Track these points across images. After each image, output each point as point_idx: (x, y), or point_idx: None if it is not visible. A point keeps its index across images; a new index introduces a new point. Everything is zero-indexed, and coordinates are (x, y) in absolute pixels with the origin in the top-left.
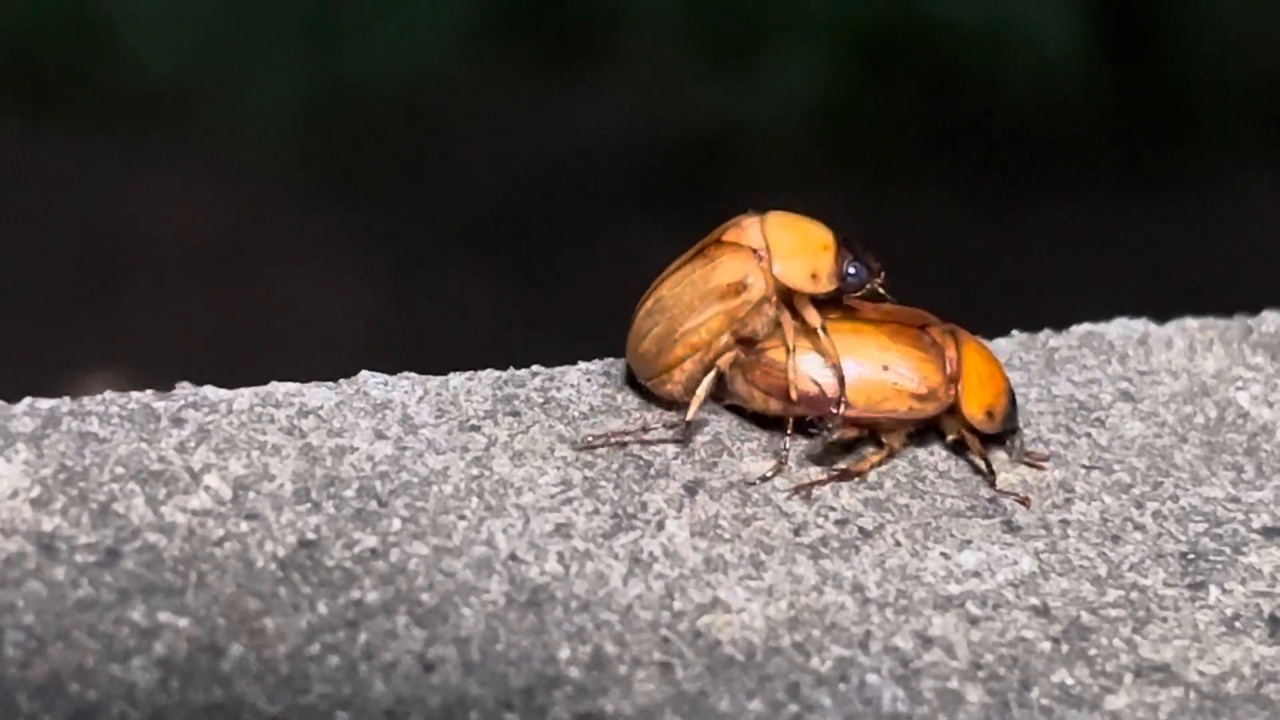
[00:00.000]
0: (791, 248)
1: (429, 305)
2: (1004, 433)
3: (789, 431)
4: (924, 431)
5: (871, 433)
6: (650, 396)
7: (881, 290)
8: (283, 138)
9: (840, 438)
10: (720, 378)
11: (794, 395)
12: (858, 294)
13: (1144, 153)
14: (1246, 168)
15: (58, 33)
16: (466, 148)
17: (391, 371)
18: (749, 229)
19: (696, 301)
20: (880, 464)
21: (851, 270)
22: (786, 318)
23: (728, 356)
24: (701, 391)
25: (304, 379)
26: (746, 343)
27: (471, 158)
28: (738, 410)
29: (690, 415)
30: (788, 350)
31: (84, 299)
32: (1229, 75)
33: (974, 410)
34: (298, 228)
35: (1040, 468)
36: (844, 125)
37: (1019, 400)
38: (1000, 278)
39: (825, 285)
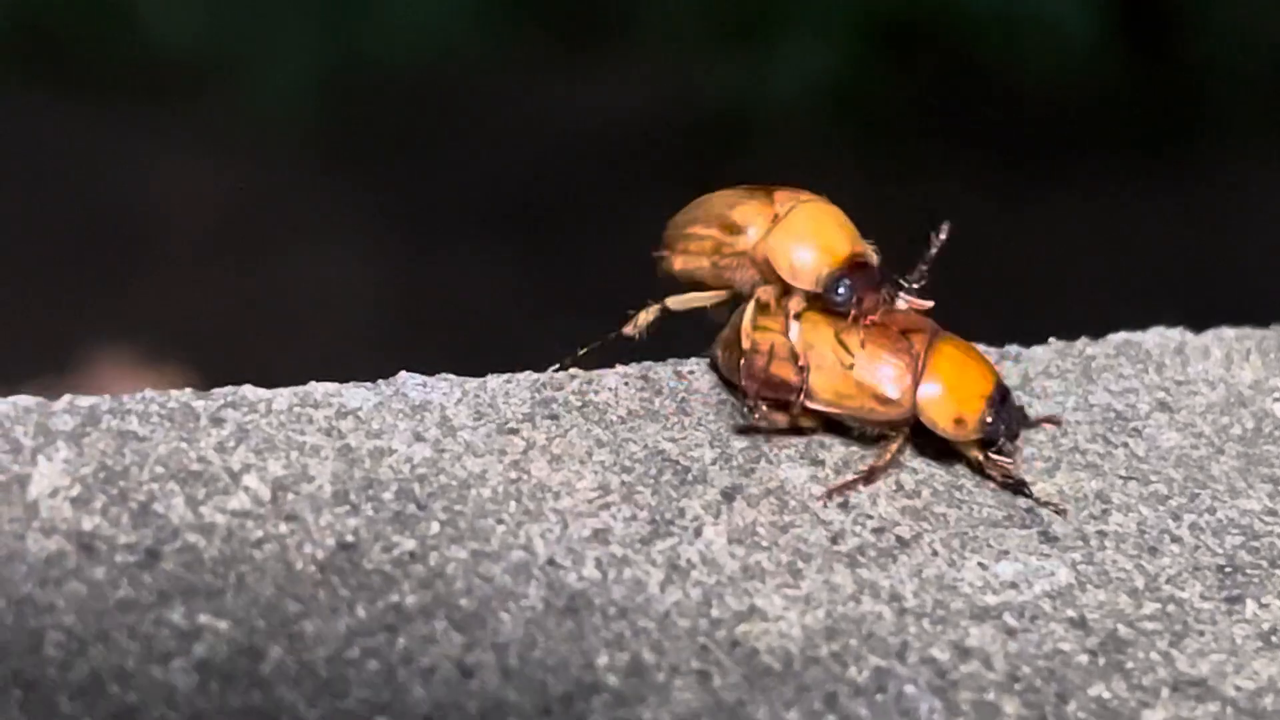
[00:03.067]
0: (798, 232)
1: (444, 282)
2: (989, 440)
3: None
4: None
5: (835, 425)
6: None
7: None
8: (299, 113)
9: (802, 425)
10: (661, 313)
11: (748, 372)
12: (841, 313)
13: (1164, 139)
14: (1268, 156)
15: (75, 6)
16: (482, 126)
17: (420, 362)
18: (793, 198)
19: (712, 216)
20: (899, 453)
21: (840, 290)
22: (769, 293)
23: (681, 299)
24: (643, 318)
25: (324, 365)
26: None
27: (487, 136)
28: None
29: (628, 329)
30: (746, 329)
31: (99, 273)
32: (1250, 61)
33: (939, 419)
34: (313, 204)
35: (1011, 478)
36: (860, 109)
37: (1058, 409)
38: (1017, 266)
39: (800, 283)
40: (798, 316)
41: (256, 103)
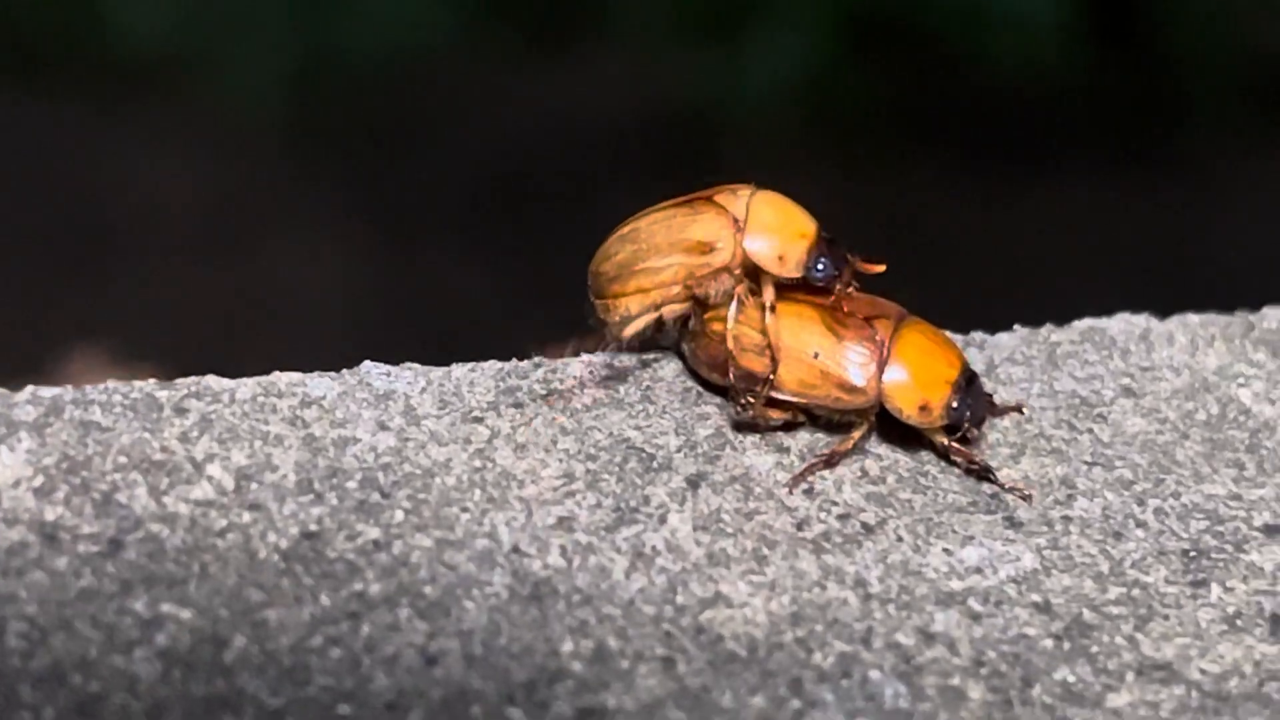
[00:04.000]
0: (768, 227)
1: (415, 278)
2: (953, 426)
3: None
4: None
5: (811, 416)
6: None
7: (850, 292)
8: (271, 108)
9: (769, 418)
10: (660, 324)
11: (730, 368)
12: (823, 291)
13: (1133, 132)
14: (1235, 147)
15: (44, 4)
16: (454, 121)
17: (388, 355)
18: (738, 198)
19: (666, 245)
20: (863, 440)
21: (819, 267)
22: (742, 289)
23: (674, 309)
24: (638, 324)
25: (293, 357)
26: (700, 305)
27: (459, 132)
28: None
29: (624, 335)
30: (728, 320)
31: (69, 270)
32: (1217, 52)
33: (904, 405)
34: (284, 200)
35: (975, 465)
36: (830, 103)
37: (1023, 395)
38: (988, 259)
39: (790, 271)
40: (772, 308)
41: (229, 99)
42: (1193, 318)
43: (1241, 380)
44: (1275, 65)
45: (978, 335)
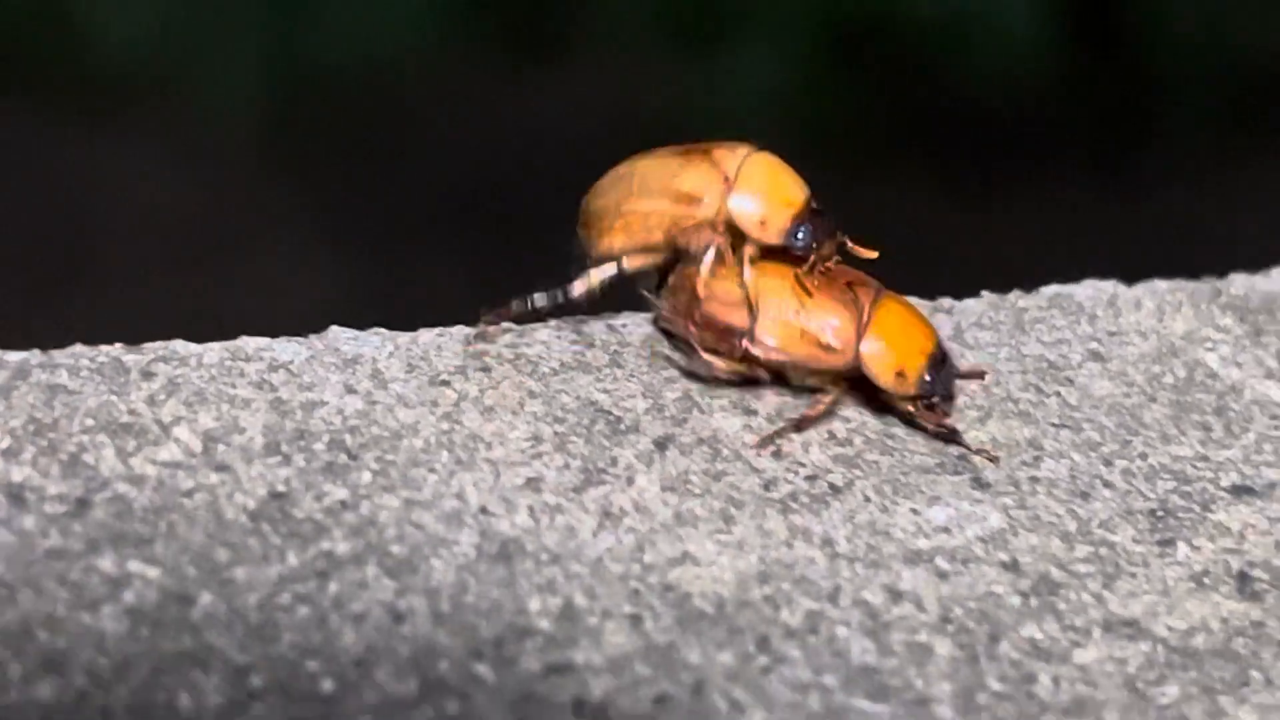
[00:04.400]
0: (756, 189)
1: (392, 287)
2: (924, 396)
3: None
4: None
5: (781, 378)
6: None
7: (828, 268)
8: (248, 118)
9: (746, 371)
10: (620, 273)
11: (696, 318)
12: (799, 261)
13: (1112, 140)
14: (1215, 156)
15: (21, 10)
16: (432, 132)
17: (357, 322)
18: (735, 155)
19: (656, 190)
20: (834, 405)
21: (799, 236)
22: (723, 242)
23: (637, 260)
24: (595, 275)
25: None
26: (679, 257)
27: (437, 142)
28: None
29: (576, 290)
30: (705, 279)
31: (46, 279)
32: (1196, 62)
33: (880, 370)
34: (262, 210)
35: (946, 432)
36: (812, 113)
37: (990, 359)
38: (968, 262)
39: (770, 237)
40: (753, 262)
41: (209, 109)
42: (1160, 284)
43: (1209, 344)
44: (1253, 74)
45: (945, 301)
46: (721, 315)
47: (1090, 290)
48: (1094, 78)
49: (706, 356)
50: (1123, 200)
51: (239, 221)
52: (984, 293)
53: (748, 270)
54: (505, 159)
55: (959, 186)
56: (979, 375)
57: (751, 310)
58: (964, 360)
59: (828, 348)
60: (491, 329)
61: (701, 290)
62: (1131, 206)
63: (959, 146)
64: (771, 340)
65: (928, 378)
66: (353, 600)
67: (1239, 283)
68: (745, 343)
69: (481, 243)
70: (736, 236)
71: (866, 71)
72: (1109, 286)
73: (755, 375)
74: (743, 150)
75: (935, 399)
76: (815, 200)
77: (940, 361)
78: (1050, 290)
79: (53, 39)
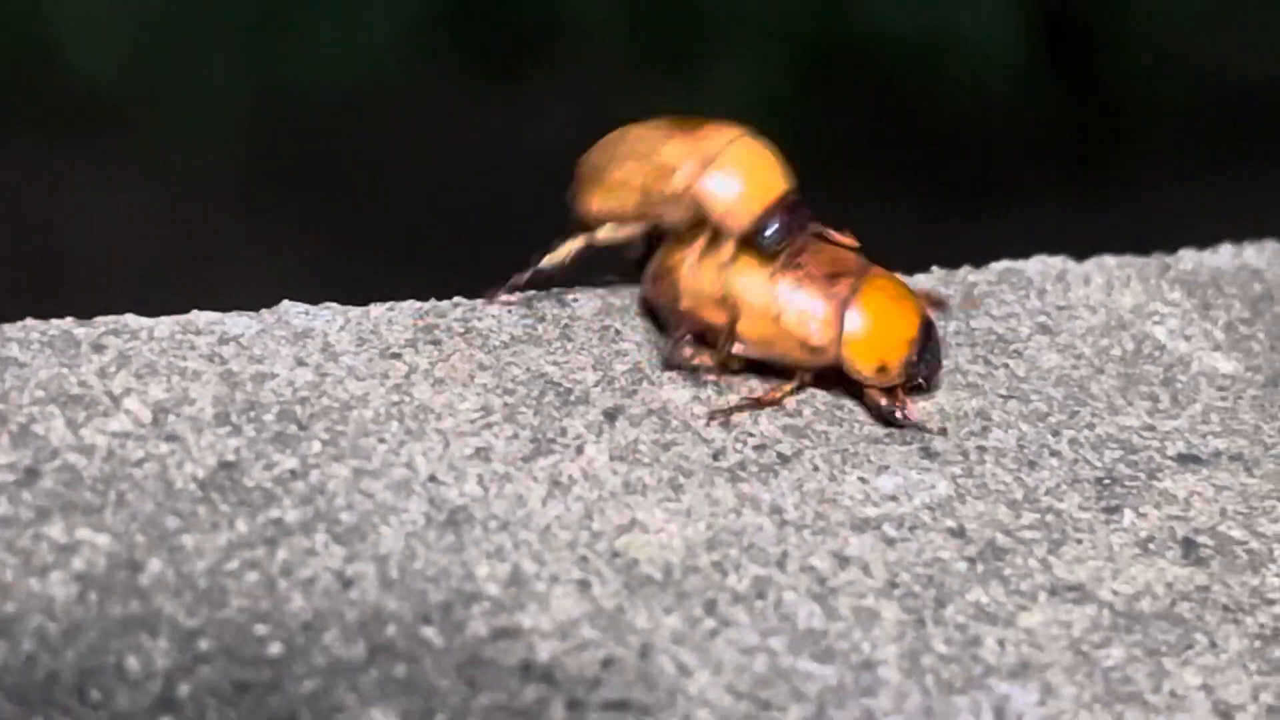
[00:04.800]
0: (731, 174)
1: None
2: (908, 382)
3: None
4: None
5: (758, 366)
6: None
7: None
8: (225, 144)
9: (730, 365)
10: (589, 246)
11: (680, 315)
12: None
13: (1087, 160)
14: (1187, 176)
15: None
16: (410, 156)
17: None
18: (723, 135)
19: (638, 154)
20: (794, 392)
21: (769, 232)
22: (705, 237)
23: (608, 235)
24: (561, 251)
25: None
26: (654, 237)
27: (414, 166)
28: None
29: (544, 262)
30: (688, 271)
31: (20, 306)
32: (1168, 83)
33: (863, 367)
34: (240, 235)
35: (913, 424)
36: (786, 135)
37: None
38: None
39: (733, 228)
40: (732, 261)
41: (183, 133)
42: (1109, 259)
43: (1157, 318)
44: (1227, 96)
45: (896, 275)
46: (702, 312)
47: (1039, 265)
48: (1070, 99)
49: (691, 353)
50: (1089, 212)
51: (215, 249)
52: (934, 267)
53: (728, 269)
54: (482, 184)
55: (933, 200)
56: (974, 305)
57: (732, 310)
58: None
59: (810, 347)
60: (443, 304)
61: (690, 278)
62: (1097, 216)
63: (935, 161)
64: (753, 339)
65: (911, 365)
66: (301, 566)
67: (1188, 258)
68: (725, 341)
69: (461, 263)
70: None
71: (842, 90)
72: (1058, 262)
73: (739, 369)
74: (734, 133)
75: (919, 381)
76: (795, 193)
77: (924, 342)
78: (1000, 265)
79: (28, 65)
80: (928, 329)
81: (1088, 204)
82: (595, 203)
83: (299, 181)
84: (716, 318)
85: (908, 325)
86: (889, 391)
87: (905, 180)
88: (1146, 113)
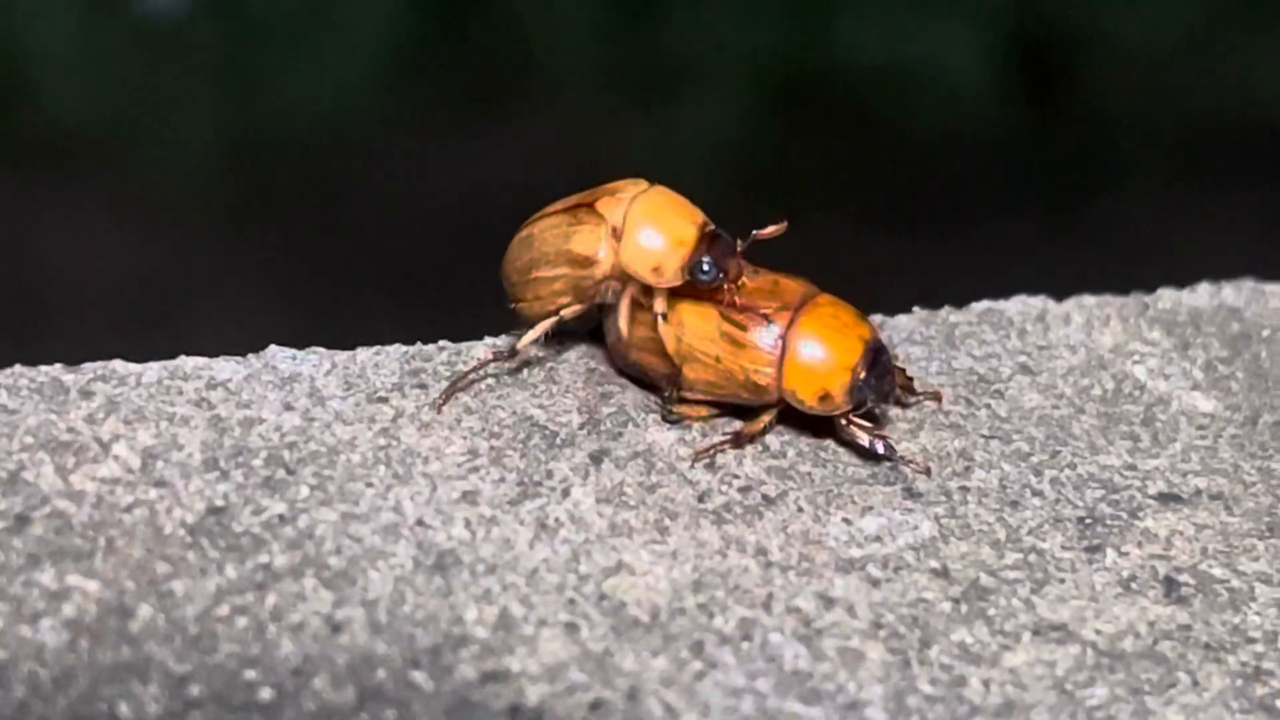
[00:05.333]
0: (644, 236)
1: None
2: (856, 408)
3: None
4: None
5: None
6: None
7: (744, 283)
8: (204, 185)
9: (692, 415)
10: (559, 323)
11: (632, 368)
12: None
13: (1059, 190)
14: (1163, 208)
15: None
16: (384, 191)
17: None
18: (619, 203)
19: (552, 255)
20: (770, 427)
21: (704, 270)
22: (635, 291)
23: (574, 310)
24: (535, 331)
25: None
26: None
27: (387, 202)
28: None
29: (520, 345)
30: (624, 332)
31: (8, 352)
32: (1143, 116)
33: (806, 397)
34: (223, 276)
35: (876, 451)
36: (759, 166)
37: (920, 374)
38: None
39: (670, 280)
40: (664, 317)
41: (157, 171)
42: (1089, 299)
43: (1136, 357)
44: (1201, 129)
45: (877, 317)
46: (649, 365)
47: (1020, 306)
48: (1040, 129)
49: (686, 410)
50: (1066, 245)
51: (188, 287)
52: (915, 308)
53: (662, 326)
54: (457, 216)
55: (908, 235)
56: (935, 397)
57: (674, 361)
58: (919, 379)
59: (753, 387)
60: (429, 348)
61: (623, 346)
62: (1074, 250)
63: (910, 196)
64: (700, 386)
65: (856, 388)
66: (291, 611)
67: (1166, 297)
68: (678, 390)
69: (435, 300)
70: (643, 285)
71: (814, 123)
72: (1038, 302)
73: (714, 414)
74: (628, 193)
75: (868, 406)
76: (709, 225)
77: (869, 366)
78: (980, 306)
79: (5, 102)
80: (875, 352)
81: (1064, 237)
82: (536, 306)
83: (280, 221)
84: (665, 369)
85: (848, 351)
86: (862, 426)
87: (879, 215)
88: (1122, 146)
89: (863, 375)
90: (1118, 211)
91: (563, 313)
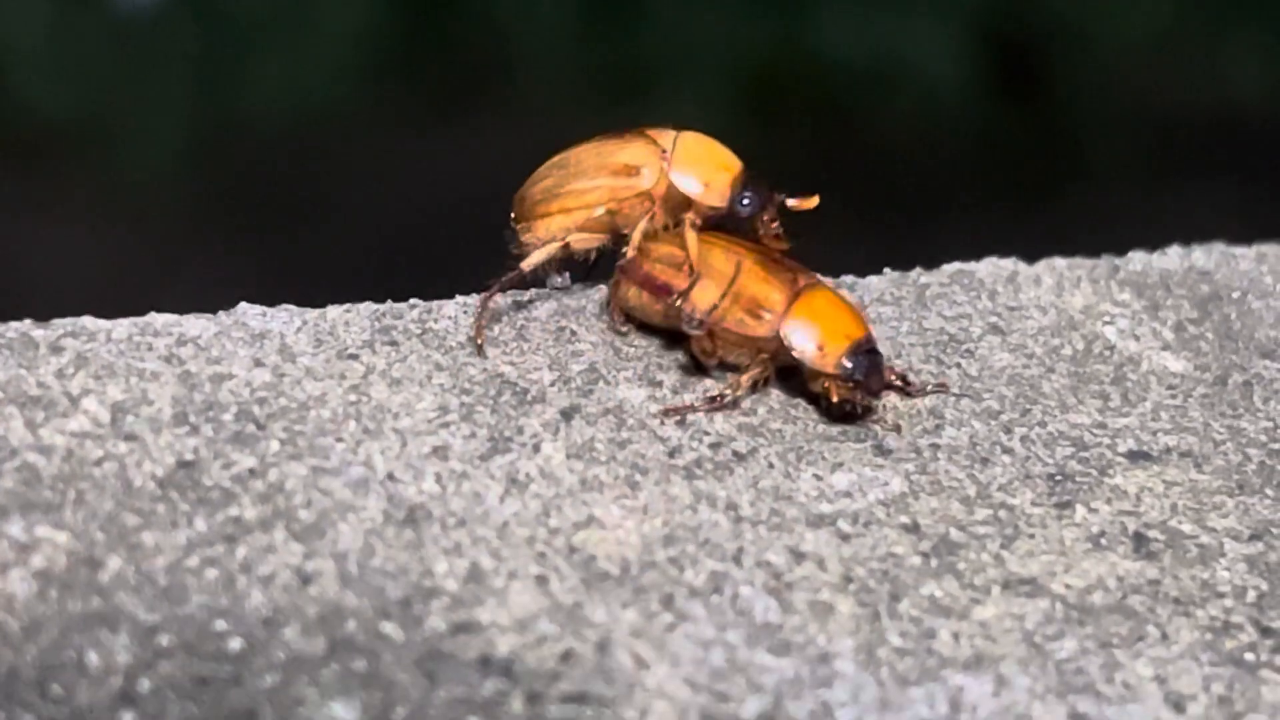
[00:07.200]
0: (694, 157)
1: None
2: (840, 378)
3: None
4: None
5: (726, 365)
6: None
7: (775, 232)
8: (172, 179)
9: (699, 349)
10: (567, 251)
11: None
12: (748, 222)
13: (1033, 186)
14: (1133, 195)
15: None
16: (356, 187)
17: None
18: (668, 134)
19: (593, 169)
20: (751, 389)
21: (745, 200)
22: (656, 219)
23: (583, 239)
24: (541, 253)
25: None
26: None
27: (360, 200)
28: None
29: (526, 265)
30: (636, 239)
31: None
32: (1114, 106)
33: (801, 342)
34: (186, 269)
35: (848, 408)
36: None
37: (891, 334)
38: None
39: (714, 200)
40: (695, 225)
41: (130, 167)
42: (1059, 261)
43: (1107, 318)
44: (1169, 118)
45: (848, 278)
46: (660, 275)
47: (990, 267)
48: (1016, 126)
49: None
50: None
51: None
52: (886, 270)
53: (690, 234)
54: (430, 214)
55: (884, 215)
56: (941, 388)
57: (691, 270)
58: (920, 376)
59: (756, 314)
60: (399, 305)
61: (631, 251)
62: (1047, 230)
63: (886, 183)
64: (705, 301)
65: (847, 362)
66: (260, 563)
67: (1137, 260)
68: (679, 301)
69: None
70: (678, 209)
71: (792, 116)
72: (1009, 264)
73: (709, 351)
74: (672, 130)
75: (852, 385)
76: (751, 169)
77: (865, 354)
78: (951, 267)
79: None
80: (872, 349)
81: (1038, 220)
82: (556, 223)
83: (253, 206)
84: (674, 281)
85: (853, 327)
86: (844, 390)
87: (856, 199)
88: (1093, 134)
89: (859, 355)
90: (1088, 204)
91: (570, 239)
